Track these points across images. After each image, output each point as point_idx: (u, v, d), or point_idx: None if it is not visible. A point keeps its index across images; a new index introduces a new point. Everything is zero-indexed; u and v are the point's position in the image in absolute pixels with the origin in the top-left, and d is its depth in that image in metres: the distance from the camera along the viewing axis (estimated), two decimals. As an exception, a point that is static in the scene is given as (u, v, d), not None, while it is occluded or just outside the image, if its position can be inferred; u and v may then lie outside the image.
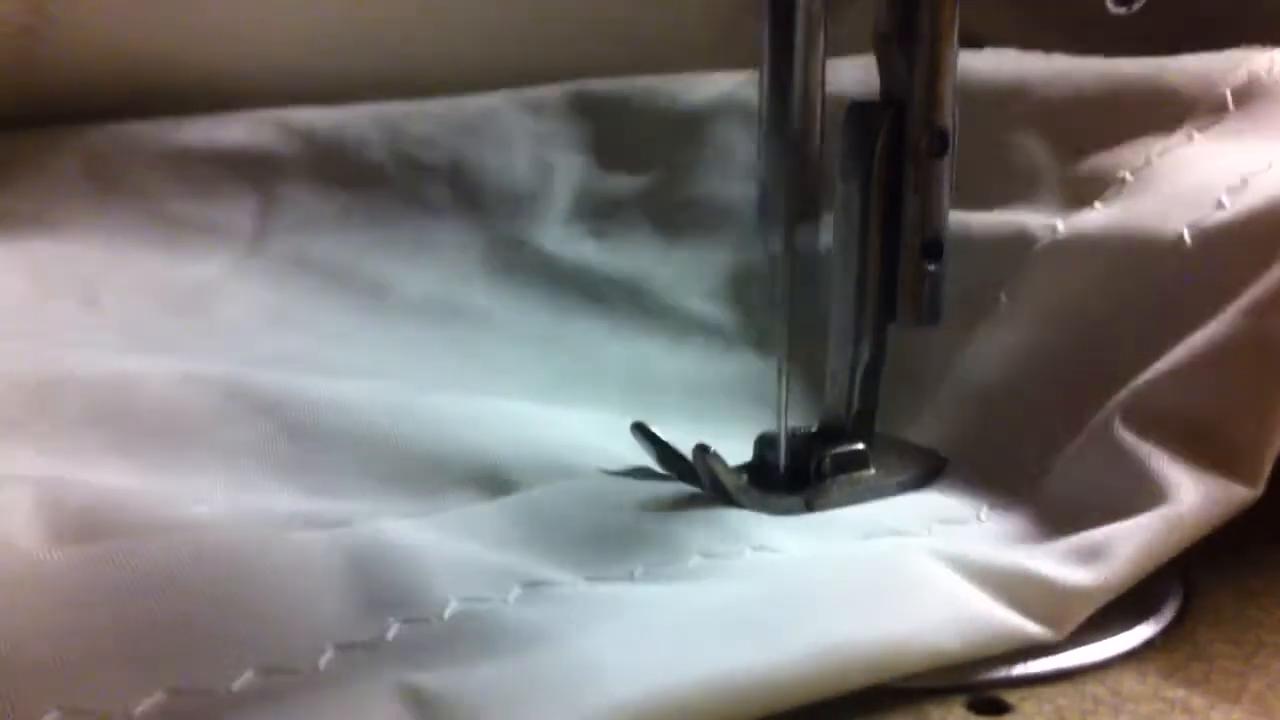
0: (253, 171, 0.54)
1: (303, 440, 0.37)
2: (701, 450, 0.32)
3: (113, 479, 0.35)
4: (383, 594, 0.27)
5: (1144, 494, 0.29)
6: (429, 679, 0.24)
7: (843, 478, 0.34)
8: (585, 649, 0.25)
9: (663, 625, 0.26)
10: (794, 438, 0.34)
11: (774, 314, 0.34)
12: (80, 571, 0.27)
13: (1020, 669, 0.27)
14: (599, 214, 0.52)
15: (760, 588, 0.28)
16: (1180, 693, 0.27)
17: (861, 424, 0.34)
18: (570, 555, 0.30)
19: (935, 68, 0.31)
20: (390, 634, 0.26)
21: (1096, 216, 0.36)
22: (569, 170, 0.53)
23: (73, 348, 0.43)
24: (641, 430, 0.34)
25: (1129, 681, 0.27)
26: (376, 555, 0.29)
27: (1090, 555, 0.28)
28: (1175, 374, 0.31)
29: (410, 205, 0.53)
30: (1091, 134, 0.39)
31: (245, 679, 0.25)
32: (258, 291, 0.50)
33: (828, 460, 0.34)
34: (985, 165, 0.39)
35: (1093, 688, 0.27)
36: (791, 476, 0.34)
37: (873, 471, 0.34)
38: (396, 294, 0.50)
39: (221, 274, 0.51)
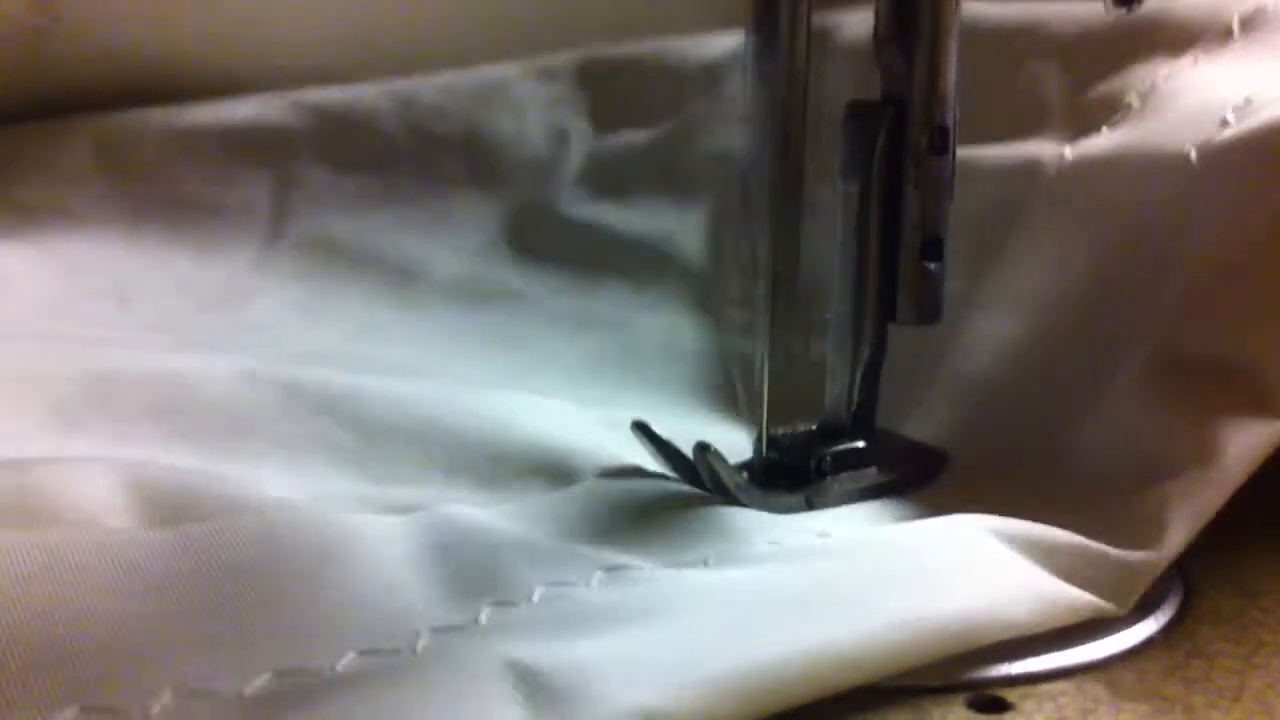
0: (266, 151, 0.54)
1: (364, 435, 0.37)
2: (702, 448, 0.32)
3: (186, 465, 0.35)
4: (469, 579, 0.28)
5: (1183, 450, 0.29)
6: (531, 655, 0.24)
7: (843, 475, 0.34)
8: (677, 626, 0.26)
9: (749, 603, 0.27)
10: (794, 436, 0.34)
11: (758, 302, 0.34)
12: (176, 552, 0.27)
13: (1020, 668, 0.27)
14: (616, 177, 0.52)
15: (836, 567, 0.28)
16: (1180, 691, 0.27)
17: (861, 422, 0.34)
18: (639, 544, 0.30)
19: (935, 68, 0.31)
20: (482, 617, 0.26)
21: (1103, 141, 0.36)
22: (584, 135, 0.53)
23: (119, 347, 0.43)
24: (641, 429, 0.35)
25: (1129, 680, 0.27)
26: (457, 541, 0.29)
27: (1145, 524, 0.29)
28: (1193, 313, 0.31)
29: (426, 178, 0.53)
30: (1098, 63, 0.39)
31: (349, 660, 0.25)
32: (285, 284, 0.50)
33: (828, 458, 0.34)
34: (994, 98, 0.39)
35: (1093, 687, 0.27)
36: (792, 475, 0.34)
37: (873, 469, 0.34)
38: (423, 278, 0.50)
39: (247, 266, 0.51)
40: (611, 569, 0.28)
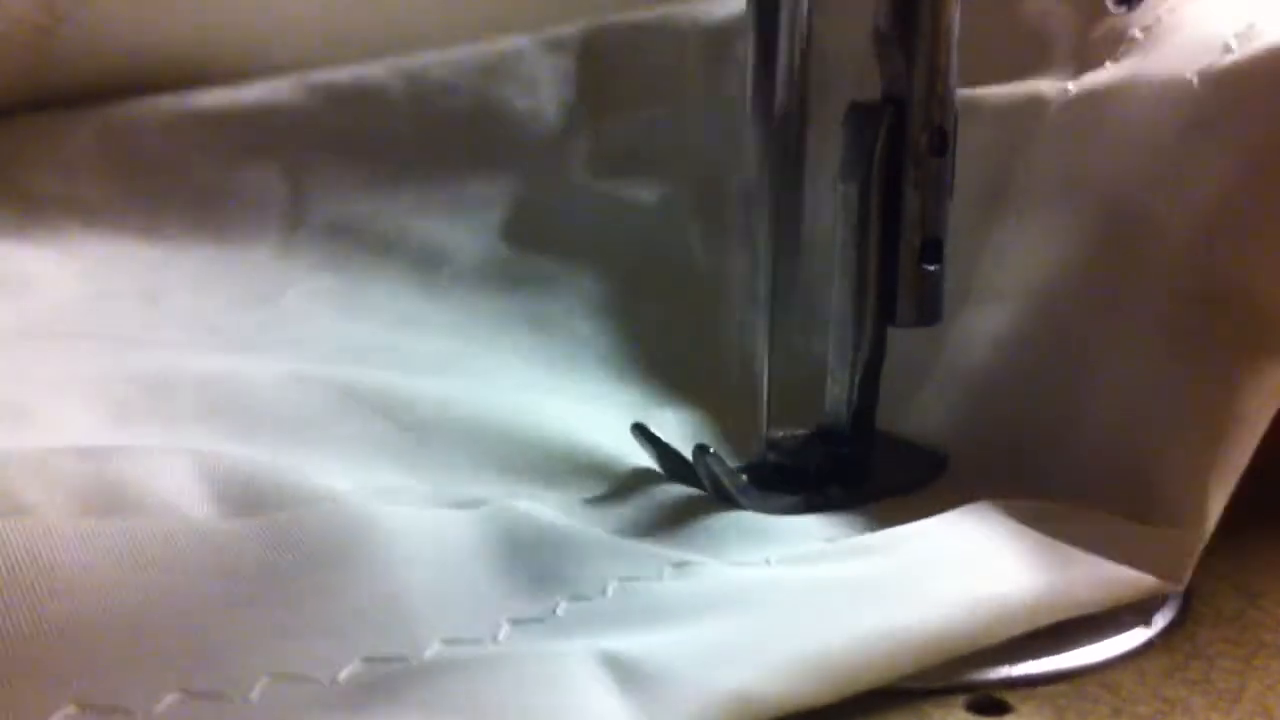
0: (275, 134, 0.54)
1: (419, 435, 0.37)
2: (701, 450, 0.32)
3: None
4: (543, 573, 0.28)
5: (1202, 412, 0.29)
6: (615, 643, 0.25)
7: (842, 478, 0.33)
8: (755, 614, 0.26)
9: (820, 594, 0.27)
10: (793, 438, 0.34)
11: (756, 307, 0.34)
12: (261, 540, 0.27)
13: (1020, 669, 0.27)
14: (630, 149, 0.51)
15: (898, 559, 0.28)
16: (1180, 693, 0.27)
17: (860, 424, 0.34)
18: (700, 545, 0.30)
19: (935, 68, 0.31)
20: (560, 610, 0.27)
21: (1107, 74, 0.36)
22: (595, 107, 0.53)
23: (162, 347, 0.43)
24: (640, 430, 0.35)
25: (1129, 681, 0.27)
26: (526, 535, 0.29)
27: (1181, 496, 0.29)
28: (1201, 245, 0.31)
29: (438, 156, 0.53)
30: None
31: (435, 649, 0.25)
32: (312, 275, 0.50)
33: (827, 461, 0.33)
34: (999, 37, 0.39)
35: (1093, 688, 0.27)
36: (791, 477, 0.34)
37: (872, 471, 0.34)
38: (447, 262, 0.50)
39: (271, 256, 0.51)
40: (680, 565, 0.28)
